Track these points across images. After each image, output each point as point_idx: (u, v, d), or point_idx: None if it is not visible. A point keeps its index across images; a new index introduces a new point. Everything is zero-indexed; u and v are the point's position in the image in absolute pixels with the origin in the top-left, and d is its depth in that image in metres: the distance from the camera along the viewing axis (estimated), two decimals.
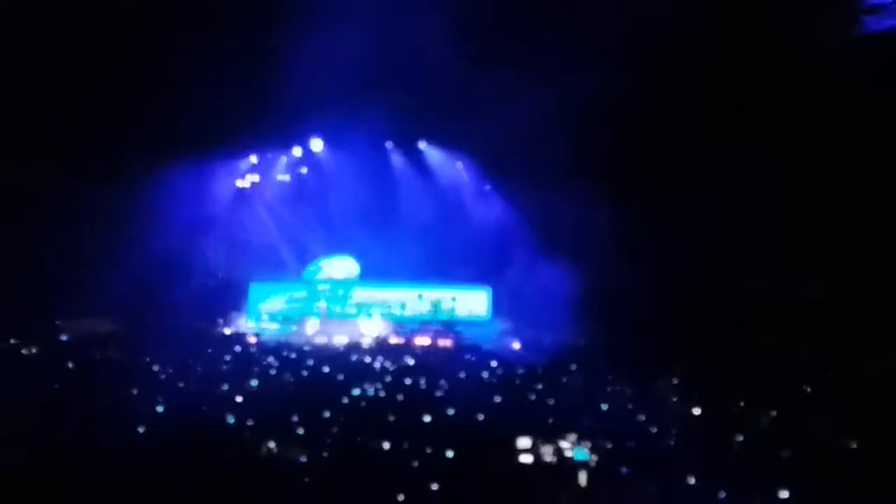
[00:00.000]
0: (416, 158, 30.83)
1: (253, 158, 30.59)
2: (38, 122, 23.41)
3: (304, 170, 31.40)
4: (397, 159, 30.86)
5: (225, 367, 19.73)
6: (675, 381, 18.37)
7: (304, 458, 12.94)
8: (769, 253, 23.82)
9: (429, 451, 13.08)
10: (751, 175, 23.39)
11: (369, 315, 29.27)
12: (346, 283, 30.61)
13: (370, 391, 17.11)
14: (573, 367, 20.39)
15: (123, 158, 24.80)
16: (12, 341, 20.22)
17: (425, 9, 21.82)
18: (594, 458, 13.23)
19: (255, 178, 30.86)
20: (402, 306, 29.90)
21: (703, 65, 22.64)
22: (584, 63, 21.98)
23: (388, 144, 30.58)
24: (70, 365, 18.13)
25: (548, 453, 13.33)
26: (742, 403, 16.43)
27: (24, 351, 19.56)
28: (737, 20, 22.04)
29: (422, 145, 30.63)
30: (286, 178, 31.41)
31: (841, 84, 21.68)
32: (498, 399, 16.58)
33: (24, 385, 15.89)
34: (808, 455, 13.48)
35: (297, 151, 30.92)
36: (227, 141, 27.22)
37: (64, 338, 21.89)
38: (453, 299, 29.70)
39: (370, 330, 28.14)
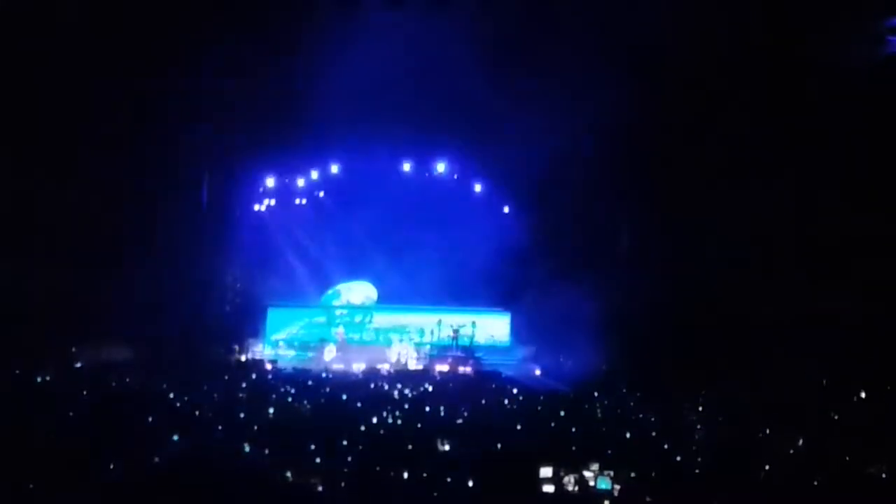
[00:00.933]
0: (434, 180, 30.64)
1: (270, 182, 30.42)
2: (53, 148, 23.33)
3: (321, 194, 31.26)
4: (415, 181, 30.68)
5: (241, 394, 19.54)
6: (700, 408, 18.12)
7: (321, 488, 12.72)
8: (793, 276, 23.53)
9: (448, 480, 12.84)
10: (773, 196, 23.15)
11: (388, 341, 29.07)
12: (365, 309, 30.45)
13: (389, 419, 16.91)
14: (595, 393, 20.17)
15: (140, 182, 24.72)
16: (26, 368, 20.09)
17: (442, 31, 21.69)
18: (617, 487, 12.98)
19: (272, 202, 30.73)
20: (421, 332, 29.67)
21: (728, 84, 22.43)
22: (605, 82, 21.82)
23: (407, 167, 30.38)
24: (84, 393, 17.96)
25: (570, 483, 13.08)
26: (768, 430, 16.15)
27: (38, 378, 19.40)
28: (763, 39, 21.82)
29: (440, 167, 30.43)
30: (303, 202, 31.27)
31: (868, 103, 21.43)
32: (519, 427, 16.33)
33: (38, 413, 15.70)
34: (836, 483, 13.20)
35: (315, 175, 30.78)
36: (246, 165, 27.14)
37: (79, 364, 21.76)
38: (473, 325, 29.46)
39: (397, 356, 27.95)
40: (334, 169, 30.40)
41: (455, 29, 21.62)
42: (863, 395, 18.76)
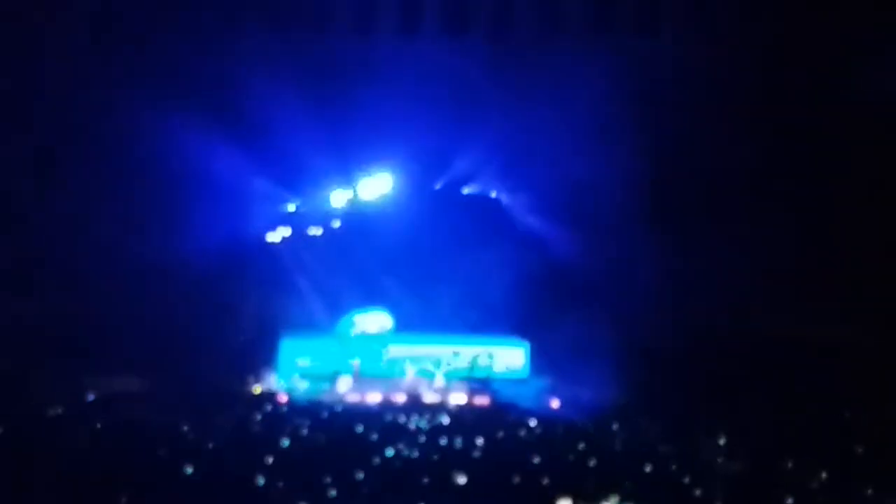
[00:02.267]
0: (452, 207, 30.45)
1: (291, 207, 30.27)
2: (60, 169, 23.40)
3: (336, 223, 31.13)
4: (433, 210, 30.49)
5: (255, 426, 19.40)
6: (721, 441, 17.90)
7: None
8: (817, 308, 23.36)
9: None
10: (800, 226, 23.03)
11: (403, 372, 28.87)
12: (381, 339, 30.25)
13: (404, 451, 16.75)
14: (614, 426, 19.98)
15: (151, 213, 24.72)
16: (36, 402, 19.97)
17: (460, 49, 21.69)
18: None
19: (287, 231, 30.58)
20: (437, 363, 29.47)
21: (763, 112, 22.35)
22: (631, 109, 21.81)
23: (422, 192, 30.23)
24: (98, 425, 17.85)
25: None
26: (791, 464, 15.95)
27: (49, 411, 19.28)
28: (800, 68, 21.76)
29: (465, 190, 30.24)
30: (318, 231, 31.12)
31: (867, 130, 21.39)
32: (536, 459, 16.15)
33: (49, 448, 15.58)
34: None
35: (330, 200, 30.60)
36: (259, 194, 27.09)
37: (91, 397, 21.64)
38: (490, 356, 29.24)
39: (413, 387, 27.76)
40: (348, 196, 30.29)
41: (472, 50, 21.67)
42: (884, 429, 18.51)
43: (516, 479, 14.65)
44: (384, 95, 23.07)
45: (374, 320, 30.36)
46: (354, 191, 30.13)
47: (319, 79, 22.96)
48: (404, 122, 24.17)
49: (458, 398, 26.61)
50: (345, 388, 27.92)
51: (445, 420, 21.27)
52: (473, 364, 28.82)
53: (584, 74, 22.48)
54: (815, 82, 22.25)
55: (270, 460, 15.60)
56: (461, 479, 14.49)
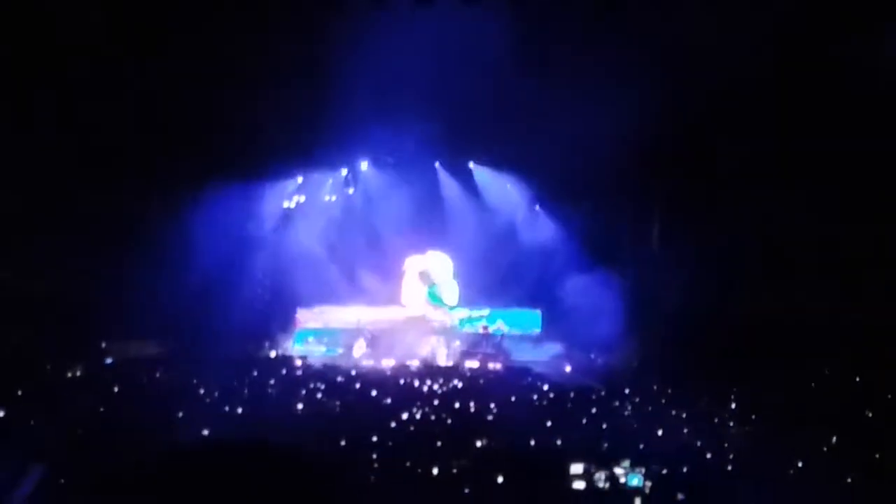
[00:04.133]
0: (464, 179, 30.54)
1: (300, 179, 30.37)
2: (83, 145, 23.45)
3: (350, 190, 31.19)
4: (446, 180, 30.59)
5: (271, 390, 19.55)
6: (732, 405, 18.01)
7: (350, 483, 12.68)
8: (827, 274, 23.41)
9: (479, 476, 12.79)
10: (805, 195, 23.04)
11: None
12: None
13: (418, 415, 16.87)
14: (627, 390, 20.08)
15: (171, 180, 24.79)
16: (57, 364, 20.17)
17: (472, 29, 21.62)
18: (648, 484, 12.90)
19: (302, 198, 30.63)
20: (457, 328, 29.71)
21: (757, 83, 22.29)
22: (634, 80, 21.75)
23: (437, 165, 30.33)
24: (116, 388, 18.00)
25: (601, 479, 13.01)
26: (801, 427, 16.05)
27: (68, 374, 19.48)
28: (795, 43, 21.68)
29: (471, 165, 30.35)
30: (333, 198, 31.17)
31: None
32: (549, 423, 16.26)
33: (68, 409, 15.75)
34: (869, 480, 13.08)
35: (343, 172, 30.77)
36: (275, 162, 27.12)
37: (109, 360, 21.82)
38: (502, 319, 29.41)
39: (427, 352, 27.93)
40: (364, 166, 30.43)
41: (485, 26, 21.59)
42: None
43: (529, 443, 14.78)
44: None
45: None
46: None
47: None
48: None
49: (472, 363, 26.73)
50: (359, 352, 28.11)
51: (459, 384, 21.35)
52: (487, 329, 28.99)
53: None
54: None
55: (286, 422, 15.76)
56: (476, 443, 14.63)
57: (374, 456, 13.79)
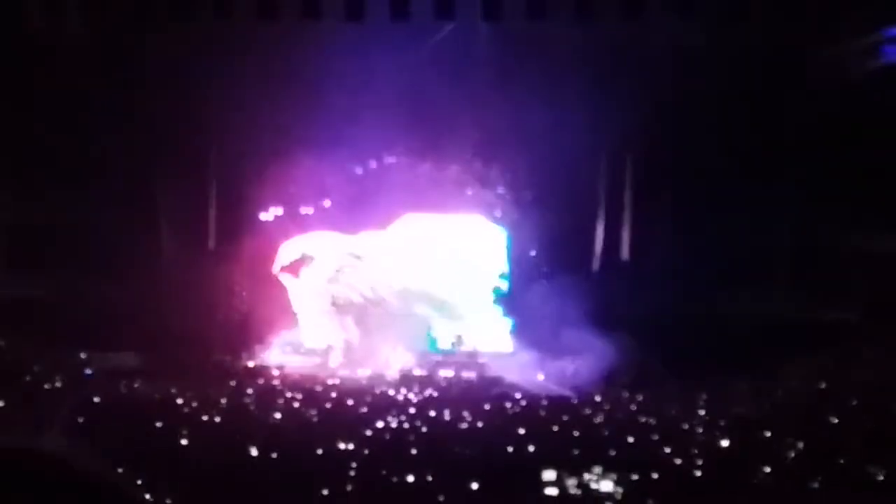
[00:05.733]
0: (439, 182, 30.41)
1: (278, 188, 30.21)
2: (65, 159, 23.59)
3: (327, 203, 31.12)
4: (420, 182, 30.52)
5: (248, 400, 19.73)
6: (702, 413, 18.29)
7: (326, 492, 12.91)
8: (796, 277, 23.78)
9: (453, 484, 13.03)
10: (777, 198, 23.42)
11: None
12: None
13: (393, 423, 17.08)
14: (598, 398, 20.35)
15: (148, 189, 24.94)
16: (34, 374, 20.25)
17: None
18: (619, 490, 13.17)
19: (280, 210, 30.58)
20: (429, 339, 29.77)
21: (730, 93, 22.65)
22: (604, 89, 22.14)
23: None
24: (96, 399, 18.14)
25: (573, 486, 13.27)
26: (769, 434, 16.34)
27: (46, 385, 19.57)
28: (761, 51, 22.07)
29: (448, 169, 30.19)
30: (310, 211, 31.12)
31: (863, 113, 21.67)
32: (522, 431, 16.52)
33: (47, 419, 15.88)
34: (837, 487, 13.39)
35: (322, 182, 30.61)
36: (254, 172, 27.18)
37: (89, 371, 21.90)
38: (473, 331, 29.50)
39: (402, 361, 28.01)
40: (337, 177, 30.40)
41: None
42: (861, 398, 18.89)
43: (502, 450, 15.04)
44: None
45: None
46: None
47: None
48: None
49: (445, 372, 26.89)
50: (336, 362, 28.22)
51: (434, 393, 21.57)
52: (460, 339, 29.06)
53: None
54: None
55: (262, 432, 15.95)
56: (450, 450, 14.87)
57: (351, 464, 14.01)
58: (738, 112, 22.99)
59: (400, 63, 22.90)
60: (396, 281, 29.44)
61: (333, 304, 29.09)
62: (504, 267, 29.15)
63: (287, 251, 28.92)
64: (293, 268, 29.14)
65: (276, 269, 28.53)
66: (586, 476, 13.34)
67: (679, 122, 23.14)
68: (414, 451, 14.79)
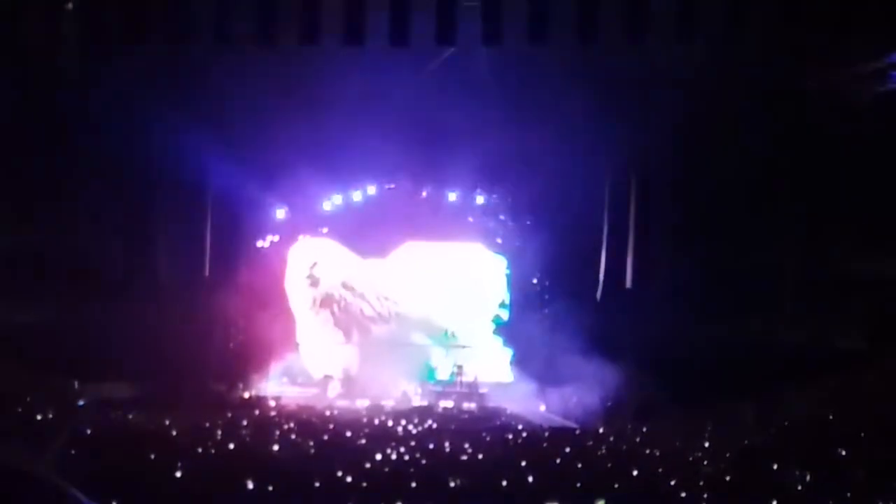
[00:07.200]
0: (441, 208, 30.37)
1: (280, 213, 30.07)
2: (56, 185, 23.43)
3: (325, 230, 31.06)
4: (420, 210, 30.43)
5: (244, 431, 19.48)
6: (706, 444, 18.06)
7: None
8: (802, 305, 23.56)
9: None
10: (782, 226, 23.26)
11: None
12: None
13: (393, 455, 16.84)
14: (601, 429, 20.12)
15: (142, 218, 24.78)
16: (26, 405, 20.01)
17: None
18: None
19: (276, 238, 30.46)
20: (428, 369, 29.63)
21: (734, 119, 22.50)
22: (616, 108, 22.04)
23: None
24: (88, 431, 17.88)
25: None
26: (775, 466, 16.08)
27: (38, 416, 19.30)
28: (765, 77, 21.92)
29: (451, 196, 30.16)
30: (306, 237, 31.09)
31: (871, 138, 21.50)
32: (524, 463, 16.27)
33: (37, 450, 15.60)
34: None
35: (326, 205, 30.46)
36: (253, 200, 27.08)
37: (81, 402, 21.66)
38: (473, 360, 29.34)
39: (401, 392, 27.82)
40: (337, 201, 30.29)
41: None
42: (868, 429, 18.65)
43: (504, 483, 14.76)
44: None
45: None
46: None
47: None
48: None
49: (446, 403, 26.70)
50: (333, 392, 28.04)
51: (434, 424, 21.35)
52: (461, 369, 28.86)
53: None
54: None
55: (260, 464, 15.69)
56: (450, 483, 14.59)
57: (350, 498, 13.76)
58: (742, 138, 22.84)
59: (399, 89, 22.69)
60: (396, 309, 29.38)
61: (332, 330, 29.05)
62: (505, 295, 29.10)
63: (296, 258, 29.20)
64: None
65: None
66: None
67: (683, 149, 23.00)
68: (413, 484, 14.51)
